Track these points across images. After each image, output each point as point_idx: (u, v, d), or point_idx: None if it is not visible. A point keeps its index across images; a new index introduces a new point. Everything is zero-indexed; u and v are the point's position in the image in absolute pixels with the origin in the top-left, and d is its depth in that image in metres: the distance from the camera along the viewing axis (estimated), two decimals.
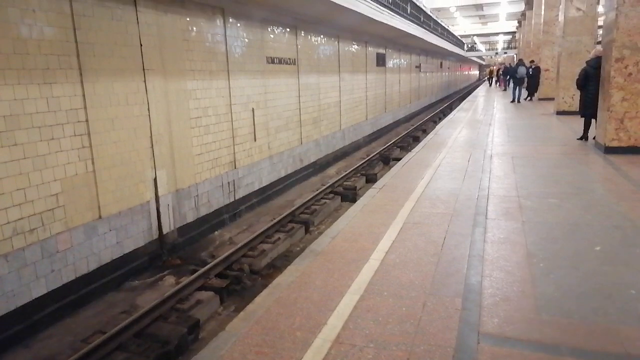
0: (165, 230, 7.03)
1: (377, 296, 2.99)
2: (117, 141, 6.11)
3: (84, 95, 5.57)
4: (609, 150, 7.27)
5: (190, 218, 7.65)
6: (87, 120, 5.63)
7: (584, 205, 4.77)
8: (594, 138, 8.54)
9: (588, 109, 8.59)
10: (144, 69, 6.55)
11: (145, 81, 6.59)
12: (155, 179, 6.84)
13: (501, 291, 3.01)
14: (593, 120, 8.64)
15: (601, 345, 2.38)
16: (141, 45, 6.49)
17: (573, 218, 4.37)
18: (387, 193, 5.58)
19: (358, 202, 5.29)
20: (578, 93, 12.76)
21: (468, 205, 4.92)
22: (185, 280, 6.03)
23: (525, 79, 19.45)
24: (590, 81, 8.39)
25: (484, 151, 8.15)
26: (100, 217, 5.84)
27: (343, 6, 10.40)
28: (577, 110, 12.75)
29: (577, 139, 9.00)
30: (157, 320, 5.16)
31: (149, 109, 6.67)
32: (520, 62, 20.81)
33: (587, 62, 8.92)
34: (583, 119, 8.96)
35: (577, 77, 8.95)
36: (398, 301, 2.91)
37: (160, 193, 6.93)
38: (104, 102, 5.89)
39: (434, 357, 2.33)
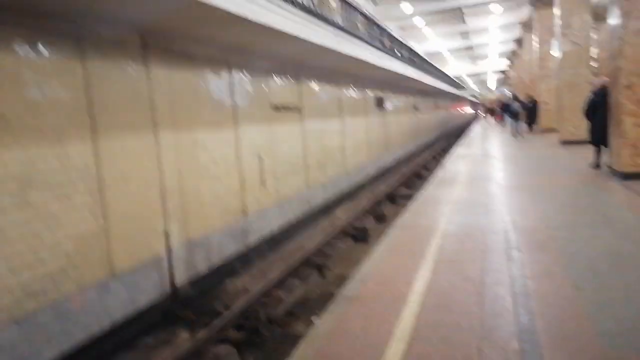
0: (177, 284, 6.78)
1: (425, 343, 2.77)
2: (128, 195, 5.98)
3: (96, 152, 5.50)
4: (627, 177, 7.16)
5: (202, 269, 7.41)
6: (99, 177, 5.53)
7: (620, 234, 4.58)
8: (608, 166, 8.45)
9: (597, 137, 8.57)
10: (154, 124, 6.53)
11: (156, 135, 6.55)
12: (166, 232, 6.67)
13: (558, 329, 2.79)
14: (602, 147, 8.60)
15: None
16: (152, 100, 6.50)
17: (612, 247, 4.18)
18: (409, 231, 5.40)
19: (382, 242, 5.11)
20: (581, 122, 12.91)
21: (496, 239, 4.74)
22: (200, 335, 5.74)
23: (522, 113, 19.63)
24: (598, 109, 8.41)
25: (498, 184, 8.03)
26: (112, 273, 5.63)
27: (349, 55, 10.58)
28: (582, 139, 12.83)
29: (590, 167, 8.92)
30: None
31: (159, 162, 6.59)
32: (515, 98, 21.20)
33: (592, 91, 8.97)
34: (593, 147, 8.91)
35: (584, 106, 8.97)
36: (450, 348, 2.69)
37: (172, 245, 6.74)
38: (117, 157, 5.81)
39: None
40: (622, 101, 7.07)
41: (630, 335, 2.64)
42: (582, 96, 12.74)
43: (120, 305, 5.72)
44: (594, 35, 14.73)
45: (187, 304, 6.88)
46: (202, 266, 7.41)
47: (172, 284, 6.68)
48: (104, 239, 5.57)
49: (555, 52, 14.83)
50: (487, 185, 8.07)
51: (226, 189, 8.23)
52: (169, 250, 6.67)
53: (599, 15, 17.58)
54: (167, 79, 6.84)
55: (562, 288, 3.38)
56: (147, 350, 5.73)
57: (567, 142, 13.29)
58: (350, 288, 3.78)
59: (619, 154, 7.33)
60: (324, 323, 3.18)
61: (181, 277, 6.87)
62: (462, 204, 6.67)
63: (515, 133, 19.29)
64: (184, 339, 6.01)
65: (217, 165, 7.98)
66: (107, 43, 5.74)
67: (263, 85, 9.78)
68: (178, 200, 6.95)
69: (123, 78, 6.00)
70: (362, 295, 3.61)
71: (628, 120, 7.05)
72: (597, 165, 8.81)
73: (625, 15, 6.89)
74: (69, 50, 5.24)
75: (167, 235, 6.65)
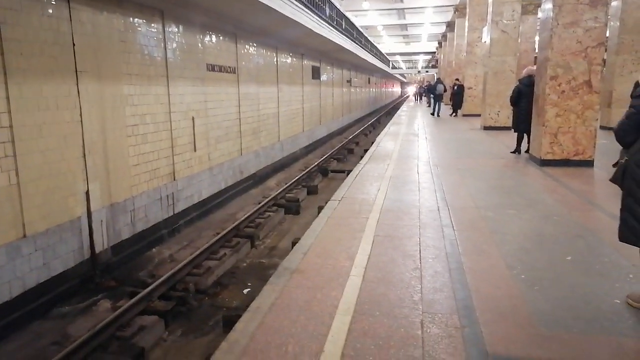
0: (98, 249, 6.36)
1: (369, 317, 2.78)
2: (45, 150, 5.42)
3: (8, 98, 4.87)
4: (544, 163, 7.70)
5: (125, 235, 7.00)
6: (11, 126, 4.92)
7: (541, 215, 4.92)
8: (526, 151, 9.04)
9: (521, 125, 9.09)
10: (76, 71, 5.92)
11: (77, 84, 5.95)
12: (87, 193, 6.17)
13: (494, 306, 2.92)
14: (525, 135, 9.16)
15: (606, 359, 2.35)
16: (74, 44, 5.86)
17: (536, 228, 4.47)
18: (348, 205, 5.42)
19: (321, 214, 5.08)
20: (503, 110, 13.69)
21: (432, 217, 4.89)
22: (124, 304, 5.44)
23: (446, 96, 20.79)
24: (523, 98, 8.89)
25: (429, 163, 8.30)
26: (25, 235, 5.11)
27: (287, 17, 10.25)
28: (503, 125, 13.63)
29: (511, 152, 9.49)
30: (95, 351, 4.58)
31: (81, 115, 6.02)
32: (439, 81, 22.17)
33: (519, 80, 9.46)
34: (516, 133, 9.47)
35: (510, 94, 9.45)
36: (394, 321, 2.72)
37: (92, 208, 6.27)
38: (31, 106, 5.20)
39: None
40: (546, 91, 7.52)
41: (559, 313, 2.83)
42: (507, 84, 13.49)
43: (34, 270, 5.24)
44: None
45: (109, 271, 6.48)
46: (125, 231, 6.99)
47: (92, 249, 6.24)
48: (16, 197, 5.03)
49: (484, 39, 15.46)
50: (418, 163, 8.32)
51: (155, 150, 7.76)
52: (89, 212, 6.20)
53: (524, 8, 18.54)
54: (92, 23, 6.21)
55: (495, 266, 3.55)
56: (64, 319, 5.34)
57: (488, 128, 14.06)
58: (291, 260, 3.71)
59: (540, 141, 7.85)
60: (266, 295, 3.09)
61: (102, 243, 6.44)
62: (396, 180, 6.82)
63: (436, 113, 20.51)
64: (104, 308, 5.66)
65: (145, 124, 7.48)
66: None
67: (198, 42, 9.24)
68: (101, 159, 6.44)
69: (41, 15, 5.33)
70: (304, 267, 3.56)
71: (551, 110, 7.53)
72: (517, 151, 9.39)
73: (557, 7, 7.26)
74: None
75: (87, 197, 6.16)
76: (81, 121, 6.04)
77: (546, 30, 7.58)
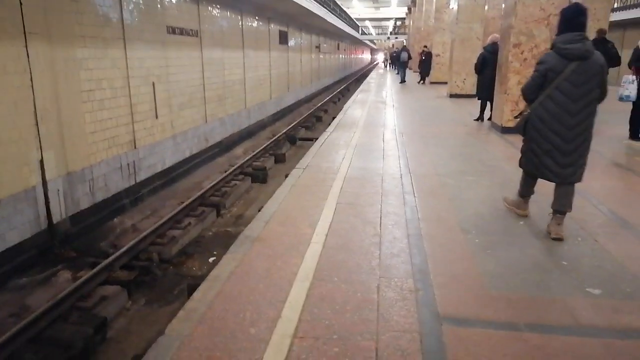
0: (55, 219, 6.19)
1: (327, 283, 2.82)
2: None
3: None
4: (505, 131, 7.86)
5: (84, 204, 6.83)
6: None
7: (498, 182, 5.05)
8: (489, 119, 9.19)
9: (484, 92, 9.20)
10: (25, 33, 5.58)
11: (27, 47, 5.62)
12: (41, 161, 5.94)
13: (447, 269, 3.01)
14: (488, 103, 9.29)
15: (554, 318, 2.47)
16: (21, 3, 5.50)
17: (493, 195, 4.59)
18: (312, 173, 5.42)
19: (285, 182, 5.06)
20: (469, 77, 13.80)
21: (394, 184, 4.95)
22: (84, 274, 5.35)
23: (414, 63, 21.30)
24: (487, 66, 8.97)
25: (394, 131, 8.35)
26: None
27: None
28: (469, 93, 13.77)
29: (474, 119, 9.63)
30: (56, 322, 4.52)
31: (32, 80, 5.72)
32: (404, 49, 22.35)
33: (484, 47, 9.51)
34: (479, 101, 9.59)
35: (475, 61, 9.50)
36: (351, 287, 2.77)
37: (48, 177, 6.06)
38: None
39: (402, 343, 2.23)
40: (509, 59, 7.60)
41: (508, 275, 2.95)
42: (473, 51, 13.53)
43: None
44: None
45: (68, 242, 6.33)
46: (84, 201, 6.81)
47: (49, 219, 6.06)
48: None
49: (452, 5, 15.40)
50: (384, 131, 8.36)
51: (113, 116, 7.49)
52: (44, 181, 5.99)
53: None
54: None
55: (450, 231, 3.65)
56: (22, 291, 5.21)
57: (454, 95, 14.20)
58: (253, 228, 3.71)
59: (502, 109, 7.99)
60: (226, 264, 3.09)
61: (60, 213, 6.26)
62: (361, 148, 6.84)
63: (402, 80, 20.86)
64: (65, 279, 5.55)
65: (101, 89, 7.18)
66: None
67: (157, 3, 8.83)
68: (55, 127, 6.18)
69: None
70: (265, 235, 3.56)
71: (513, 78, 7.63)
72: (480, 119, 9.54)
73: None
74: None
75: (42, 166, 5.93)
76: (32, 86, 5.74)
77: None
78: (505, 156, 6.36)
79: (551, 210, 3.65)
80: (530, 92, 3.57)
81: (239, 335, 2.31)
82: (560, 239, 3.49)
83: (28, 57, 5.66)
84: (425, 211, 4.11)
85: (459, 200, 4.41)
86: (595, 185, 4.85)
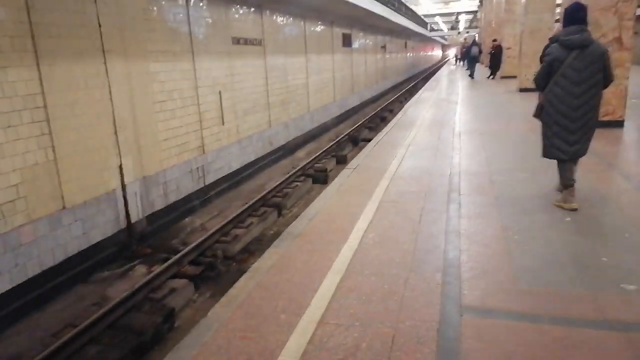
0: (133, 219, 6.82)
1: (358, 275, 2.98)
2: (78, 127, 5.84)
3: (40, 79, 5.28)
4: None
5: (159, 205, 7.45)
6: (45, 106, 5.34)
7: (553, 177, 4.87)
8: None
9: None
10: (103, 51, 6.25)
11: (105, 63, 6.30)
12: (120, 166, 6.61)
13: (480, 264, 3.05)
14: None
15: (579, 312, 2.45)
16: (100, 25, 6.18)
17: (543, 191, 4.48)
18: (361, 173, 5.57)
19: (333, 182, 5.27)
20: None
21: (441, 182, 4.97)
22: (157, 268, 5.89)
23: (483, 57, 20.84)
24: None
25: (453, 129, 8.25)
26: (64, 207, 5.60)
27: None
28: None
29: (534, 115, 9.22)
30: (130, 311, 5.04)
31: (110, 93, 6.40)
32: (474, 43, 21.70)
33: (550, 38, 9.08)
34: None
35: (540, 54, 9.10)
36: (380, 279, 2.91)
37: (126, 181, 6.71)
38: (63, 87, 5.60)
39: (420, 332, 2.34)
40: None
41: (542, 271, 2.93)
42: (544, 43, 12.88)
43: (74, 239, 5.75)
44: None
45: (144, 240, 6.97)
46: (158, 203, 7.44)
47: (128, 219, 6.72)
48: (54, 172, 5.49)
49: None
50: (442, 129, 8.28)
51: (183, 124, 8.11)
52: (123, 185, 6.65)
53: None
54: (116, 3, 6.49)
55: (491, 227, 3.65)
56: (103, 283, 5.86)
57: (524, 90, 13.59)
58: (297, 225, 3.94)
59: None
60: (267, 257, 3.34)
61: (137, 213, 6.91)
62: (416, 148, 6.87)
63: (471, 75, 20.71)
64: (140, 273, 6.15)
65: (172, 100, 7.82)
66: None
67: (223, 16, 9.41)
68: (132, 135, 6.83)
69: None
70: (307, 232, 3.78)
71: None
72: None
73: None
74: None
75: (121, 170, 6.59)
76: (111, 99, 6.41)
77: None
78: None
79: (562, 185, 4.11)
80: (541, 80, 4.05)
81: (271, 320, 2.54)
82: (576, 209, 3.91)
83: (107, 72, 6.34)
84: (468, 208, 4.11)
85: (505, 198, 4.35)
86: None
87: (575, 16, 3.91)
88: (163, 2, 7.56)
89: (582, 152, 4.01)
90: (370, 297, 2.70)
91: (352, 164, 6.06)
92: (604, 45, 3.96)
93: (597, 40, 3.98)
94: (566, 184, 4.07)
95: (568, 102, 3.84)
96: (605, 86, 3.90)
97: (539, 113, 4.19)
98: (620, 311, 2.43)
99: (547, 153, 4.16)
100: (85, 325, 4.51)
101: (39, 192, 5.28)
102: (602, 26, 6.99)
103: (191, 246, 6.40)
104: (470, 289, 2.74)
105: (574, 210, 3.93)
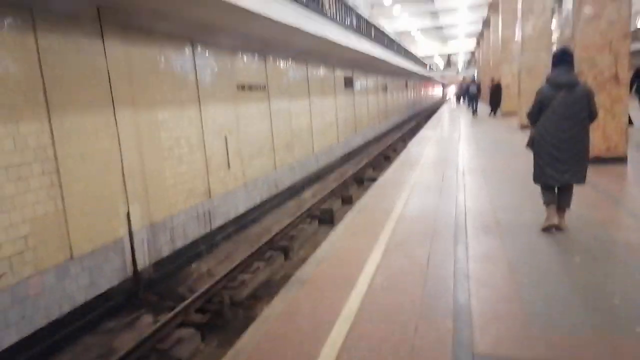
0: (140, 267, 6.83)
1: (368, 323, 2.95)
2: (87, 177, 5.94)
3: (51, 131, 5.42)
4: None
5: (165, 252, 7.46)
6: (55, 157, 5.46)
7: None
8: None
9: None
10: (113, 102, 6.45)
11: (115, 114, 6.47)
12: (128, 214, 6.67)
13: (490, 309, 3.01)
14: None
15: (594, 358, 2.40)
16: (109, 77, 6.40)
17: (549, 231, 4.46)
18: (367, 214, 5.58)
19: (339, 224, 5.28)
20: None
21: (447, 222, 4.97)
22: (163, 318, 5.83)
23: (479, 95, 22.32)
24: None
25: (456, 167, 8.30)
26: (72, 257, 5.62)
27: (313, 34, 10.56)
28: None
29: None
30: None
31: (119, 142, 6.54)
32: (472, 82, 22.96)
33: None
34: None
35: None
36: (389, 326, 2.88)
37: (134, 228, 6.75)
38: (73, 137, 5.74)
39: None
40: None
41: (553, 315, 2.88)
42: (542, 80, 13.13)
43: (81, 289, 5.74)
44: (554, 19, 15.07)
45: (150, 287, 6.94)
46: (165, 249, 7.45)
47: (135, 267, 6.71)
48: (63, 222, 5.55)
49: (517, 35, 15.15)
50: (445, 168, 8.34)
51: (190, 170, 8.23)
52: (130, 232, 6.68)
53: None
54: (125, 55, 6.74)
55: (499, 270, 3.62)
56: (110, 334, 5.79)
57: (525, 127, 13.72)
58: (305, 271, 3.93)
59: None
60: (275, 305, 3.32)
61: (144, 260, 6.91)
62: (420, 187, 6.90)
63: (473, 113, 21.29)
64: (147, 322, 6.08)
65: (179, 146, 7.96)
66: (61, 16, 5.60)
67: (228, 64, 9.71)
68: (140, 182, 6.93)
69: (78, 53, 5.89)
70: (315, 277, 3.77)
71: None
72: None
73: (578, 2, 7.14)
74: (21, 23, 5.09)
75: (128, 218, 6.65)
76: (120, 148, 6.55)
77: (568, 26, 7.45)
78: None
79: (556, 207, 4.54)
80: (533, 116, 4.54)
81: None
82: (561, 229, 4.46)
83: (116, 122, 6.51)
84: (475, 249, 4.10)
85: (511, 238, 4.34)
86: None
87: (562, 59, 4.41)
88: (170, 54, 7.83)
89: (574, 179, 4.43)
90: (380, 346, 2.67)
91: (358, 205, 6.09)
92: (588, 86, 4.52)
93: (582, 81, 4.63)
94: (547, 202, 4.59)
95: (558, 135, 4.33)
96: (591, 121, 4.40)
97: (532, 143, 4.64)
98: (636, 356, 2.38)
99: (538, 179, 4.64)
100: None
101: (48, 242, 5.33)
102: (598, 64, 7.15)
103: (197, 293, 6.35)
104: (482, 336, 2.70)
105: (555, 227, 4.45)
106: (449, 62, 69.63)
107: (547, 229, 4.49)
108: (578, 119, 4.28)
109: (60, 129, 5.54)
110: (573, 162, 4.36)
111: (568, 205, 4.56)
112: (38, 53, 5.29)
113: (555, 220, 4.47)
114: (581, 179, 4.44)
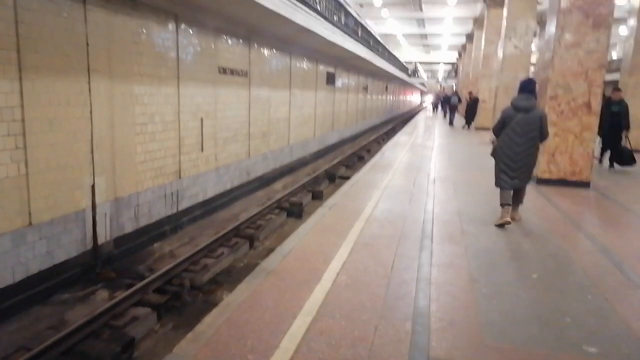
0: (100, 241, 6.66)
1: (329, 318, 2.98)
2: (54, 144, 5.74)
3: (21, 93, 5.21)
4: (540, 182, 7.78)
5: (128, 229, 7.30)
6: (23, 120, 5.25)
7: (521, 233, 5.05)
8: None
9: None
10: (89, 70, 6.24)
11: (89, 82, 6.27)
12: (93, 186, 6.49)
13: (448, 315, 3.10)
14: None
15: None
16: (87, 44, 6.19)
17: (511, 245, 4.61)
18: (337, 212, 5.62)
19: (309, 220, 5.29)
20: None
21: (414, 228, 5.06)
22: (120, 294, 5.71)
23: (459, 107, 23.38)
24: None
25: (428, 175, 8.45)
26: (30, 224, 5.44)
27: (300, 25, 10.50)
28: None
29: None
30: (88, 338, 4.85)
31: (91, 112, 6.35)
32: (455, 93, 23.48)
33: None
34: None
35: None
36: (350, 324, 2.92)
37: (97, 201, 6.58)
38: (43, 102, 5.54)
39: None
40: (546, 110, 7.61)
41: (507, 326, 2.99)
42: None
43: (37, 257, 5.56)
44: (534, 42, 15.51)
45: (110, 263, 6.78)
46: (128, 225, 7.29)
47: (95, 240, 6.55)
48: (24, 187, 5.35)
49: (499, 53, 15.52)
50: (417, 174, 8.48)
51: (161, 148, 8.07)
52: (94, 205, 6.51)
53: (544, 22, 18.57)
54: (106, 24, 6.53)
55: (460, 279, 3.72)
56: (63, 306, 5.63)
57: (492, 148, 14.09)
58: (270, 261, 3.93)
59: (538, 160, 7.93)
60: (238, 294, 3.31)
61: (105, 235, 6.75)
62: (391, 191, 6.99)
63: (450, 123, 22.12)
64: (102, 297, 5.95)
65: (153, 123, 7.79)
66: None
67: (211, 45, 9.55)
68: (108, 155, 6.75)
69: (58, 16, 5.67)
70: (280, 269, 3.77)
71: (549, 130, 7.60)
72: None
73: (560, 28, 7.36)
74: None
75: (93, 190, 6.47)
76: (91, 118, 6.36)
77: (548, 50, 7.68)
78: (536, 207, 6.32)
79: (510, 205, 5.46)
80: (496, 130, 5.53)
81: None
82: (513, 221, 5.40)
83: (90, 91, 6.30)
84: (439, 257, 4.20)
85: (475, 249, 4.46)
86: (619, 243, 4.76)
87: (526, 87, 5.38)
88: (153, 27, 7.64)
89: (521, 184, 5.46)
90: (340, 342, 2.70)
91: (329, 202, 6.12)
92: (543, 111, 5.46)
93: (538, 107, 5.50)
94: (503, 204, 5.39)
95: (513, 148, 5.28)
96: (542, 140, 5.38)
97: (494, 153, 5.58)
98: None
99: (496, 183, 5.55)
100: (40, 349, 4.31)
101: (6, 206, 5.13)
102: (573, 90, 7.41)
103: (157, 273, 6.25)
104: (438, 341, 2.77)
105: (507, 223, 5.25)
106: (430, 72, 70.57)
107: (500, 225, 5.27)
108: (530, 137, 5.22)
109: (30, 92, 5.33)
110: (522, 171, 5.35)
111: (521, 201, 5.66)
112: (15, 10, 5.07)
113: (507, 218, 5.29)
114: (527, 182, 5.54)
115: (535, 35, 15.42)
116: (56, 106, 5.74)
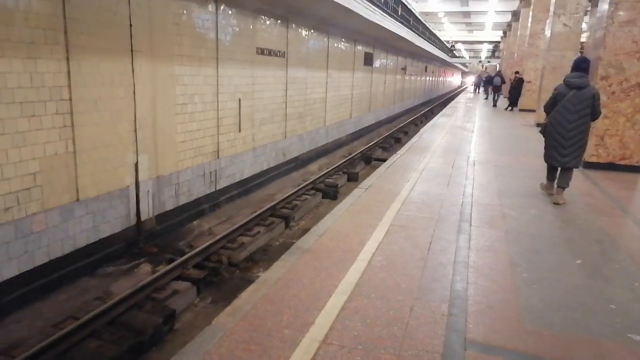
0: (143, 217, 6.88)
1: (364, 298, 2.99)
2: (99, 123, 5.94)
3: (69, 73, 5.39)
4: (588, 166, 7.45)
5: (169, 206, 7.51)
6: (70, 99, 5.45)
7: (565, 218, 4.88)
8: None
9: None
10: (132, 51, 6.38)
11: (132, 63, 6.41)
12: (136, 164, 6.69)
13: (486, 299, 3.04)
14: None
15: (582, 358, 2.43)
16: (131, 25, 6.32)
17: (554, 230, 4.46)
18: (373, 194, 5.59)
19: (345, 200, 5.29)
20: None
21: (452, 211, 4.97)
22: (162, 269, 5.92)
23: (505, 88, 22.20)
24: None
25: (467, 158, 8.25)
26: (78, 199, 5.68)
27: (339, 3, 10.35)
28: None
29: None
30: (131, 309, 5.06)
31: (134, 92, 6.51)
32: (498, 73, 22.38)
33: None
34: None
35: None
36: (385, 304, 2.91)
37: (140, 179, 6.78)
38: (89, 82, 5.71)
39: None
40: None
41: (548, 311, 2.91)
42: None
43: (84, 231, 5.81)
44: (585, 24, 14.71)
45: (152, 238, 7.02)
46: (169, 203, 7.50)
47: (138, 217, 6.78)
48: (72, 164, 5.57)
49: (546, 32, 14.83)
50: (456, 157, 8.29)
51: (201, 128, 8.20)
52: (137, 182, 6.72)
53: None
54: (148, 5, 6.63)
55: (500, 262, 3.64)
56: (108, 278, 5.90)
57: (541, 125, 13.56)
58: (306, 240, 3.96)
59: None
60: (275, 271, 3.36)
61: (147, 211, 6.97)
62: (428, 173, 6.88)
63: (494, 104, 21.45)
64: (145, 271, 6.18)
65: (193, 103, 7.92)
66: None
67: (250, 26, 9.56)
68: (150, 134, 6.93)
69: None
70: (316, 248, 3.80)
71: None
72: None
73: (614, 5, 6.94)
74: None
75: (136, 168, 6.67)
76: (134, 98, 6.52)
77: (600, 28, 7.26)
78: (582, 191, 6.08)
79: (556, 186, 5.58)
80: (548, 108, 5.61)
81: (274, 334, 2.55)
82: (559, 204, 5.38)
83: (133, 72, 6.46)
84: (478, 240, 4.11)
85: (516, 233, 4.34)
86: None
87: (579, 66, 5.41)
88: (193, 8, 7.71)
89: (572, 164, 5.41)
90: (374, 321, 2.70)
91: (365, 183, 6.09)
92: (596, 89, 5.40)
93: (591, 84, 5.43)
94: (549, 179, 5.78)
95: (564, 125, 5.34)
96: (593, 119, 5.39)
97: (544, 131, 5.67)
98: None
99: (545, 159, 5.72)
100: (87, 318, 4.53)
101: (55, 182, 5.36)
102: (626, 70, 7.00)
103: (197, 249, 6.42)
104: (475, 324, 2.73)
105: (558, 204, 5.36)
106: (472, 51, 68.32)
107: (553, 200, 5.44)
108: (582, 114, 5.24)
109: (77, 72, 5.51)
110: (573, 149, 5.34)
111: (567, 184, 5.50)
112: None
113: (551, 190, 5.60)
114: (577, 164, 5.44)
115: (586, 12, 14.59)
116: (101, 86, 5.91)
